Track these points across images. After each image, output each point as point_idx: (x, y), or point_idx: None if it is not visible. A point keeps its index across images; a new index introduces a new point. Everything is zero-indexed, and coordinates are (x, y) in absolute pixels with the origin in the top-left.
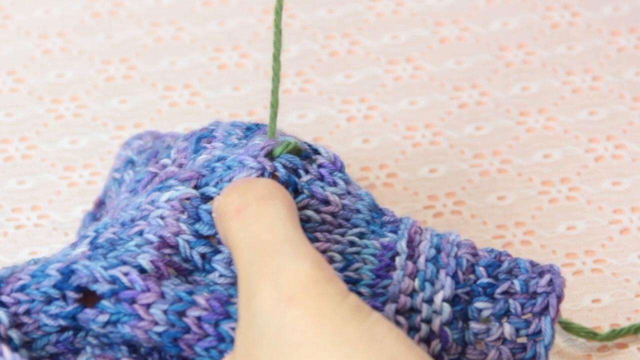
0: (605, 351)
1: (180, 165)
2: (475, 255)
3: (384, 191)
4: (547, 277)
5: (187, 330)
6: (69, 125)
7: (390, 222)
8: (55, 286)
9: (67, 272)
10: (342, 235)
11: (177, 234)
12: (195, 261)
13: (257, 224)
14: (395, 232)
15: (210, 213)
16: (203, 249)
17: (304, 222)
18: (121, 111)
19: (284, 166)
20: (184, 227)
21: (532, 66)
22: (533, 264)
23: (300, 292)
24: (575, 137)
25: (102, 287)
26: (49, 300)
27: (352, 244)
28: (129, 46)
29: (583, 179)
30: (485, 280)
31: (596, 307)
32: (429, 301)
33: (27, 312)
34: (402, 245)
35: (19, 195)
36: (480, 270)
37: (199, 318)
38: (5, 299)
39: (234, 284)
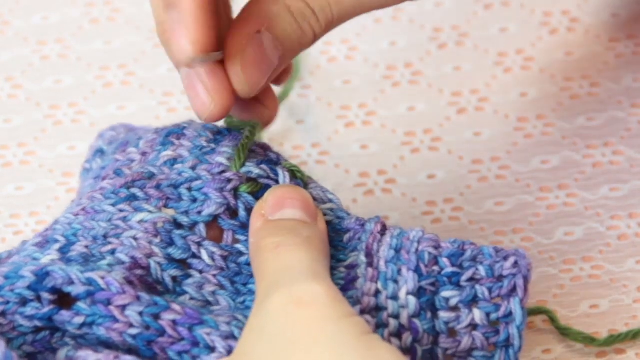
0: (604, 357)
1: (144, 154)
2: (437, 247)
3: (382, 197)
4: (511, 259)
5: (162, 332)
6: (67, 131)
7: (351, 239)
8: (29, 287)
9: (42, 274)
10: None
11: (149, 256)
12: (166, 283)
13: (288, 257)
14: (355, 248)
15: (184, 238)
16: (174, 272)
17: None
18: (119, 117)
19: (245, 208)
20: (156, 250)
21: (530, 72)
22: (497, 250)
23: (310, 299)
24: (573, 143)
25: (77, 289)
26: (24, 302)
27: None
28: (127, 52)
29: (581, 185)
30: (449, 269)
31: (594, 312)
32: (394, 297)
33: (2, 314)
34: (361, 259)
35: (17, 201)
36: (444, 261)
37: (174, 321)
38: None
39: (204, 307)
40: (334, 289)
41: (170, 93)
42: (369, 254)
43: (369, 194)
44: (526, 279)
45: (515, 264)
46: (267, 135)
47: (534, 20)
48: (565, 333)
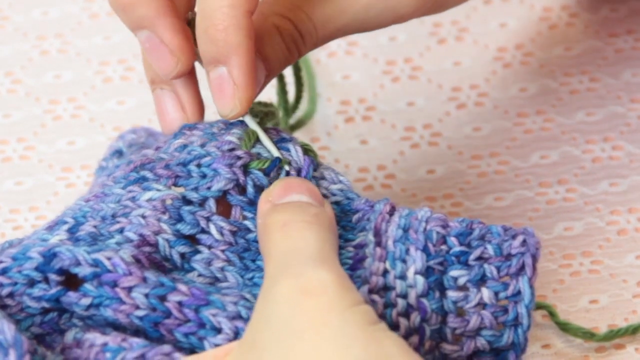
0: (603, 352)
1: (157, 148)
2: (445, 226)
3: (382, 192)
4: (520, 238)
5: (168, 314)
6: (67, 127)
7: (360, 219)
8: (37, 269)
9: (49, 255)
10: None
11: (157, 233)
12: (174, 260)
13: (296, 237)
14: (364, 229)
15: (192, 213)
16: (183, 249)
17: None
18: (119, 112)
19: (254, 184)
20: (165, 226)
21: (529, 67)
22: (506, 229)
23: (318, 288)
24: (572, 138)
25: (84, 270)
26: (32, 283)
27: None
28: (126, 47)
29: (580, 180)
30: (457, 249)
31: (594, 307)
32: (402, 277)
33: (10, 295)
34: (369, 238)
35: (17, 196)
36: (452, 240)
37: (180, 303)
38: None
39: (212, 283)
40: (342, 274)
41: None
42: (377, 234)
43: (368, 189)
44: (534, 258)
45: (524, 242)
46: None
47: (534, 15)
48: (564, 328)
